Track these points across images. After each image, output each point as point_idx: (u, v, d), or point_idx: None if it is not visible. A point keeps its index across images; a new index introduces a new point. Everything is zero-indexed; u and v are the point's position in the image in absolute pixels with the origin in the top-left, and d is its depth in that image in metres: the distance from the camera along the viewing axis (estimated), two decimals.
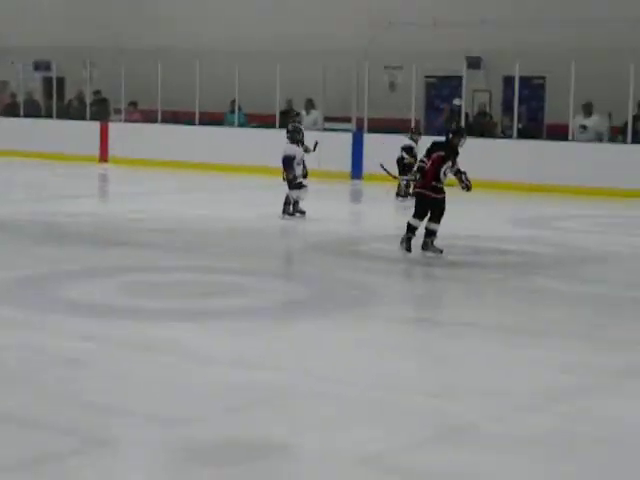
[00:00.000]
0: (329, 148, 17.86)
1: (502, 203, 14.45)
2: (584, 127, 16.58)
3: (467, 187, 9.45)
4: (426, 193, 9.27)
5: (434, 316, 6.94)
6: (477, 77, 19.14)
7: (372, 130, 17.65)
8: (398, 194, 14.52)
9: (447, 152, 9.31)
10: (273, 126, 19.18)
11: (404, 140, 14.96)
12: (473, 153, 17.52)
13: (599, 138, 16.72)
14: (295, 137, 12.18)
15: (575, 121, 16.64)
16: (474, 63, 18.99)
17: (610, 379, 5.41)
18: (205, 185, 16.79)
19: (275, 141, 18.70)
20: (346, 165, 18.10)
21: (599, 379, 5.39)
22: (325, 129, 18.83)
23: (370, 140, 17.27)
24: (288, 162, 11.94)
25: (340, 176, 17.24)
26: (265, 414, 4.67)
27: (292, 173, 11.84)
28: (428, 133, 17.79)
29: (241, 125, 19.81)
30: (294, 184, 11.89)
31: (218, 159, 18.85)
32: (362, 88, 18.38)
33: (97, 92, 21.39)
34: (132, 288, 7.59)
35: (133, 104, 20.76)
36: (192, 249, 9.72)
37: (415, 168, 9.56)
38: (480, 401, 4.92)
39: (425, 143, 10.36)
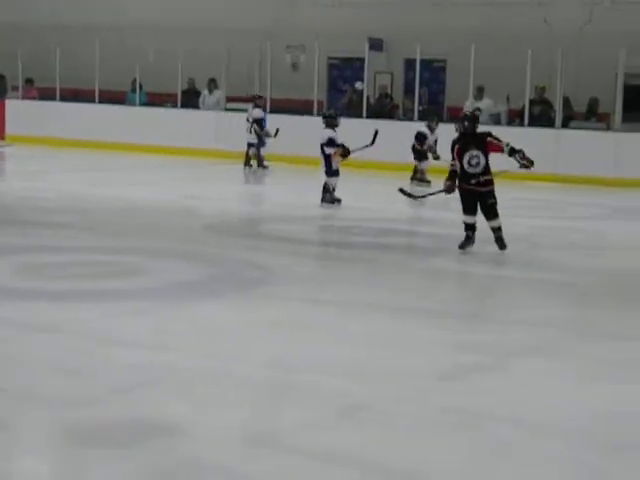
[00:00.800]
0: (231, 128, 17.82)
1: (407, 185, 14.56)
2: (479, 110, 16.81)
3: (525, 165, 8.99)
4: (462, 186, 8.86)
5: (335, 297, 6.97)
6: (379, 59, 19.24)
7: (275, 111, 17.60)
8: (413, 178, 14.65)
9: (461, 141, 8.96)
10: (175, 105, 19.03)
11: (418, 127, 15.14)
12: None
13: (495, 120, 16.98)
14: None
15: (468, 104, 16.86)
16: (376, 45, 19.09)
17: (506, 358, 5.51)
18: (106, 164, 16.56)
19: (177, 120, 18.66)
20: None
21: (496, 358, 5.49)
22: (227, 109, 18.73)
23: (273, 120, 17.20)
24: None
25: (242, 156, 17.18)
26: (162, 395, 4.64)
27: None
28: None
29: (142, 104, 19.58)
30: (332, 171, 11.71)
31: (119, 138, 18.60)
32: (265, 68, 18.31)
33: None
34: (29, 269, 7.45)
35: (30, 81, 20.33)
36: (92, 229, 9.59)
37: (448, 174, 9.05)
38: (380, 381, 4.96)
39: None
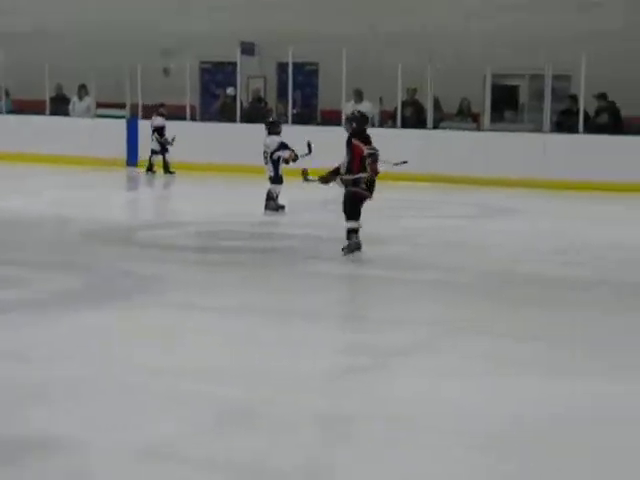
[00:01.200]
0: (103, 135, 17.55)
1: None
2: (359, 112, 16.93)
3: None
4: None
5: (213, 302, 6.91)
6: (251, 63, 19.22)
7: (147, 116, 17.40)
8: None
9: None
10: (43, 113, 18.63)
11: None
12: (249, 139, 17.66)
13: (371, 123, 17.14)
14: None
15: (347, 107, 16.99)
16: (248, 49, 19.07)
17: (385, 357, 5.54)
18: None
19: (45, 128, 18.24)
20: (121, 152, 17.79)
21: (376, 358, 5.52)
22: (98, 115, 18.44)
23: (145, 126, 17.01)
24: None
25: (115, 163, 16.94)
26: (44, 408, 4.52)
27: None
28: (203, 119, 17.79)
29: (8, 112, 19.10)
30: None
31: None
32: (135, 73, 18.08)
33: None
34: None
35: None
36: None
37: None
38: (259, 384, 4.93)
39: None
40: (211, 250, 9.12)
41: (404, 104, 16.88)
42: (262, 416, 4.48)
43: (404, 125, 16.68)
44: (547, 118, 15.94)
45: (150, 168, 16.56)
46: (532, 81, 17.77)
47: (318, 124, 18.07)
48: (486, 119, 16.47)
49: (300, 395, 4.79)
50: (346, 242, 8.63)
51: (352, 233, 8.68)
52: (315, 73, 19.27)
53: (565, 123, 15.98)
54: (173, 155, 16.29)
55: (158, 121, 16.46)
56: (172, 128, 16.29)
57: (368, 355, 5.57)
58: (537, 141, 15.64)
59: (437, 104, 17.01)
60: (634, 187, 14.48)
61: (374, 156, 8.61)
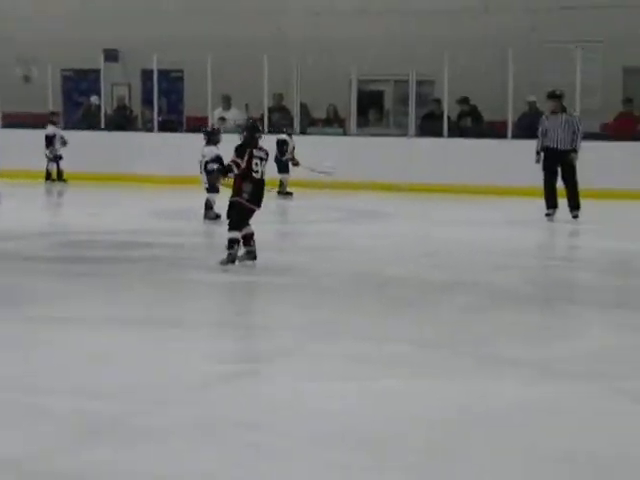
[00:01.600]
0: None
1: (144, 197, 14.42)
2: (223, 119, 16.91)
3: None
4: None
5: (76, 313, 6.73)
6: (115, 70, 18.95)
7: (8, 125, 16.96)
8: (280, 192, 14.48)
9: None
10: None
11: None
12: (113, 147, 17.40)
13: (239, 130, 17.06)
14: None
15: (215, 113, 16.93)
16: (112, 56, 18.80)
17: (253, 363, 5.50)
18: None
19: None
20: None
21: (244, 364, 5.46)
22: None
23: (5, 135, 16.54)
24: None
25: None
26: None
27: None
28: (67, 127, 17.44)
29: None
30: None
31: None
32: None
33: None
34: None
35: None
36: None
37: None
38: (125, 396, 4.82)
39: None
40: (75, 261, 8.90)
41: (270, 110, 16.88)
42: (129, 428, 4.37)
43: (272, 131, 16.66)
44: (412, 122, 16.17)
45: (48, 177, 16.53)
46: (397, 86, 18.02)
47: (184, 131, 17.93)
48: (352, 124, 16.61)
49: (168, 405, 4.70)
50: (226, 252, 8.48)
51: (233, 243, 8.48)
52: (180, 80, 19.12)
53: (428, 127, 16.24)
54: (36, 163, 15.98)
55: (48, 130, 16.43)
56: (35, 136, 15.97)
57: (235, 362, 5.51)
58: (402, 145, 15.85)
59: (305, 110, 17.08)
60: (497, 190, 14.79)
61: (219, 171, 8.53)
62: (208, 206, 11.52)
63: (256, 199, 8.40)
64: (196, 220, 11.40)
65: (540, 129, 12.18)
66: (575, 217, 11.93)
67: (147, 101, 18.35)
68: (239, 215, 8.39)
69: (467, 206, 13.93)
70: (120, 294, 7.54)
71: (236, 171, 8.33)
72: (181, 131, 17.98)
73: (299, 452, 4.09)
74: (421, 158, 15.47)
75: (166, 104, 18.65)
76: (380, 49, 16.72)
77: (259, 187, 8.38)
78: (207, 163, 11.47)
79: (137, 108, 18.93)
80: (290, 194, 14.43)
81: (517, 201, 14.12)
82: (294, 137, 15.00)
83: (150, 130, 17.27)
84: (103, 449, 4.10)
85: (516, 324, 6.57)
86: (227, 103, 17.16)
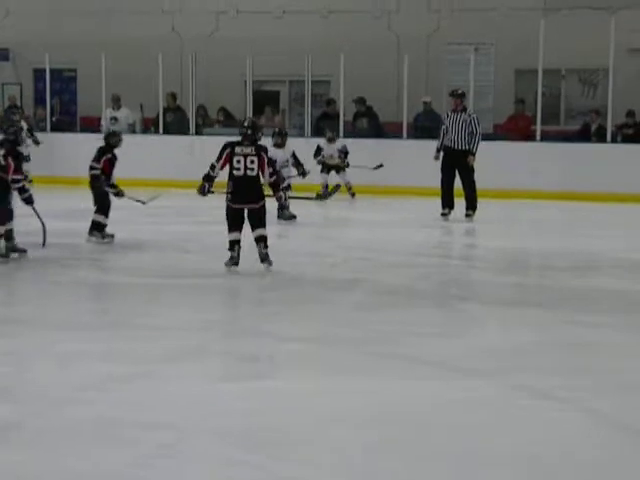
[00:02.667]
0: None
1: (37, 197, 14.11)
2: (115, 119, 16.70)
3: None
4: None
5: None
6: (6, 69, 18.55)
7: None
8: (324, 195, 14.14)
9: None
10: None
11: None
12: None
13: (132, 130, 16.92)
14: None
15: (106, 113, 16.70)
16: (2, 55, 18.40)
17: (152, 365, 5.42)
18: None
19: None
20: None
21: (141, 366, 5.38)
22: None
23: None
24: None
25: None
26: None
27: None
28: None
29: None
30: None
31: None
32: None
33: None
34: None
35: None
36: None
37: None
38: (19, 398, 4.72)
39: None
40: None
41: (165, 110, 16.73)
42: (25, 430, 4.27)
43: (166, 132, 16.53)
44: (308, 123, 16.20)
45: None
46: (292, 86, 18.04)
47: (78, 131, 17.66)
48: None
49: (75, 406, 4.61)
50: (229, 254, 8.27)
51: (231, 245, 8.28)
52: (73, 79, 18.80)
53: (324, 127, 16.27)
54: None
55: None
56: None
57: (135, 363, 5.42)
58: (299, 145, 15.83)
59: (203, 110, 16.96)
60: (394, 190, 14.91)
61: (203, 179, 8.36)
62: (282, 206, 11.34)
63: (240, 198, 8.18)
64: (81, 220, 11.19)
65: (442, 127, 12.31)
66: (468, 216, 12.08)
67: (40, 101, 17.99)
68: (227, 216, 8.29)
69: (364, 206, 14.01)
70: (13, 294, 7.37)
71: (212, 173, 8.24)
72: (75, 131, 17.68)
73: (199, 451, 4.05)
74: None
75: (59, 104, 18.32)
76: (276, 49, 16.71)
77: (242, 185, 8.13)
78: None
79: (29, 108, 18.54)
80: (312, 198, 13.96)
81: (414, 201, 14.27)
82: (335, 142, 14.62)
83: (43, 130, 16.93)
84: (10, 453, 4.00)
85: (414, 322, 6.62)
86: (117, 103, 16.94)
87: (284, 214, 11.56)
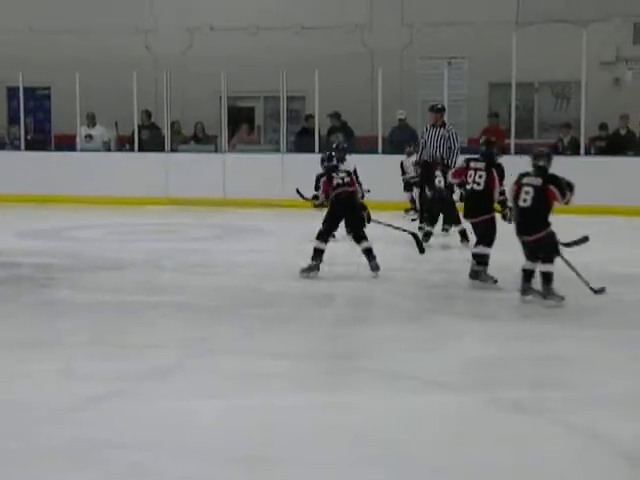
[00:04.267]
0: None
1: (6, 217, 14.08)
2: (90, 137, 16.67)
3: None
4: None
5: None
6: None
7: None
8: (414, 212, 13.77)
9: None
10: None
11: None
12: None
13: (106, 147, 16.89)
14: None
15: (81, 131, 16.66)
16: None
17: (134, 383, 5.40)
18: None
19: None
20: None
21: (123, 384, 5.36)
22: None
23: None
24: None
25: None
26: None
27: None
28: None
29: None
30: None
31: None
32: None
33: None
34: None
35: None
36: None
37: None
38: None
39: None
40: None
41: (140, 127, 16.70)
42: (5, 450, 4.25)
43: (141, 149, 16.49)
44: (284, 138, 16.21)
45: None
46: (267, 102, 18.06)
47: (53, 149, 17.61)
48: (223, 141, 16.54)
49: (50, 426, 4.59)
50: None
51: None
52: (47, 97, 18.75)
53: (302, 143, 16.30)
54: None
55: None
56: None
57: (117, 381, 5.41)
58: (275, 161, 15.87)
59: (175, 126, 16.95)
60: (368, 204, 14.88)
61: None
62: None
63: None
64: (65, 239, 11.17)
65: (421, 141, 12.33)
66: (445, 230, 12.08)
67: (14, 119, 17.91)
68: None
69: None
70: None
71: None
72: (49, 149, 17.63)
73: (176, 471, 4.04)
74: (294, 174, 15.49)
75: (33, 122, 18.26)
76: (250, 65, 16.73)
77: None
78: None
79: (3, 127, 18.46)
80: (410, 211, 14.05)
81: (387, 215, 14.25)
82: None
83: (17, 148, 16.87)
84: None
85: (388, 337, 6.63)
86: (92, 121, 16.89)
87: None
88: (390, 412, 4.86)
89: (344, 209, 9.12)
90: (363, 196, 9.44)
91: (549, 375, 5.67)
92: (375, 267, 8.94)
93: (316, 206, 9.37)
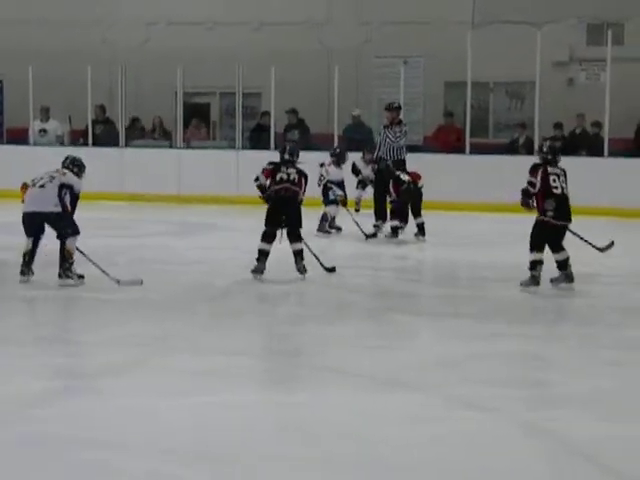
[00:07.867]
0: None
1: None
2: (44, 131, 16.49)
3: None
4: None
5: None
6: None
7: None
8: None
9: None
10: None
11: None
12: None
13: (60, 142, 16.71)
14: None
15: (34, 125, 16.48)
16: None
17: (93, 380, 5.35)
18: None
19: None
20: None
21: (83, 381, 5.32)
22: None
23: None
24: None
25: None
26: None
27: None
28: None
29: None
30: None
31: None
32: None
33: None
34: None
35: None
36: None
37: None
38: None
39: None
40: None
41: (95, 122, 16.55)
42: None
43: (95, 144, 16.35)
44: (239, 135, 16.16)
45: None
46: (223, 98, 17.99)
47: (5, 142, 17.41)
48: (179, 137, 16.45)
49: (7, 422, 4.53)
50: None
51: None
52: (0, 90, 18.52)
53: (257, 139, 16.25)
54: None
55: None
56: None
57: (73, 378, 5.37)
58: (230, 158, 15.82)
59: (139, 122, 16.83)
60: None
61: None
62: (324, 219, 11.91)
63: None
64: (17, 234, 10.99)
65: (378, 139, 12.32)
66: (376, 227, 12.04)
67: None
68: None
69: None
70: None
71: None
72: (1, 143, 17.42)
73: (139, 469, 4.01)
74: (249, 171, 15.42)
75: None
76: (207, 60, 16.63)
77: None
78: (329, 182, 12.10)
79: None
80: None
81: (343, 213, 14.26)
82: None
83: None
84: None
85: (348, 334, 6.63)
86: (45, 115, 16.71)
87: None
88: (344, 410, 4.86)
89: (283, 206, 8.86)
90: (301, 201, 9.16)
91: (510, 373, 5.69)
92: (302, 270, 8.72)
93: (261, 197, 9.13)
